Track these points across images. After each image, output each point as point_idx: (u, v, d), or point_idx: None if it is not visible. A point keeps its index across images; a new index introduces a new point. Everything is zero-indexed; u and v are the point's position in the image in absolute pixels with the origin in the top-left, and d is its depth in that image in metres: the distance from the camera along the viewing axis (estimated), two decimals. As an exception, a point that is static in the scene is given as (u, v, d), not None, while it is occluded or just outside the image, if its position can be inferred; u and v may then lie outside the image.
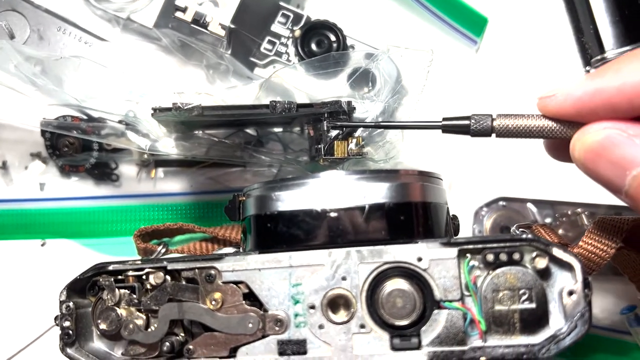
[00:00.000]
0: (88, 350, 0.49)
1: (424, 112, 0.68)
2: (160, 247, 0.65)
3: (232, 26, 0.69)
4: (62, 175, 0.72)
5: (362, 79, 0.67)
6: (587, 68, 0.74)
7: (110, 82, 0.67)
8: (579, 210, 0.72)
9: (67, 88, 0.66)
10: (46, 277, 0.71)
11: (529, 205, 0.73)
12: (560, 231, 0.72)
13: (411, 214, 0.47)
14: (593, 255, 0.51)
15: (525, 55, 0.75)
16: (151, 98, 0.67)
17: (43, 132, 0.70)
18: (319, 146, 0.60)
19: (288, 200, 0.48)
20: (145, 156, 0.71)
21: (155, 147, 0.67)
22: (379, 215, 0.46)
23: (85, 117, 0.69)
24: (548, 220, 0.73)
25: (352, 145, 0.60)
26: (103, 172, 0.71)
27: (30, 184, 0.72)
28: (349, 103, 0.59)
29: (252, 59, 0.70)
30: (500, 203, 0.73)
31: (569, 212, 0.72)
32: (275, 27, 0.70)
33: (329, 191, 0.47)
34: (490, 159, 0.73)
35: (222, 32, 0.68)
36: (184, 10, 0.68)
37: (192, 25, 0.68)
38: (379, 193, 0.47)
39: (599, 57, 0.72)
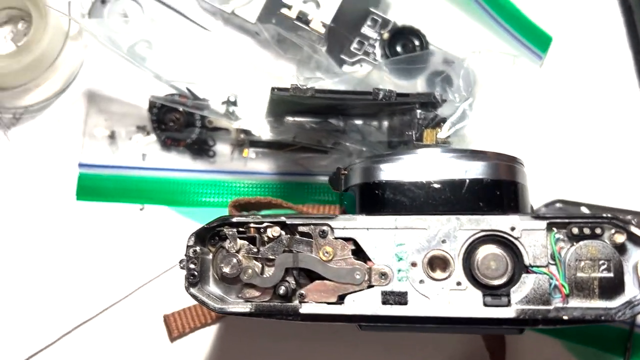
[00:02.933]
0: (207, 291, 0.55)
1: (489, 118, 0.74)
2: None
3: (332, 25, 0.75)
4: (163, 148, 0.78)
5: (441, 81, 0.73)
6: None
7: (214, 66, 0.74)
8: (629, 217, 0.77)
9: (175, 69, 0.73)
10: (143, 238, 0.77)
11: (583, 209, 0.78)
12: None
13: (505, 190, 0.53)
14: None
15: (586, 74, 0.81)
16: (251, 84, 0.73)
17: (150, 108, 0.77)
18: (410, 133, 0.66)
19: (395, 171, 0.54)
20: (242, 136, 0.77)
21: (250, 129, 0.74)
22: (477, 189, 0.52)
23: (191, 96, 0.75)
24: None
25: (441, 134, 0.65)
26: (201, 148, 0.77)
27: (133, 153, 0.78)
28: (440, 95, 0.65)
29: (342, 56, 0.77)
30: (557, 205, 0.78)
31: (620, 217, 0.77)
32: (365, 30, 0.77)
33: (433, 165, 0.53)
34: (550, 160, 0.79)
35: (322, 30, 0.75)
36: (289, 7, 0.75)
37: (295, 21, 0.75)
38: (478, 169, 0.53)
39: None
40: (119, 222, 0.77)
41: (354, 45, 0.77)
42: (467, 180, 0.52)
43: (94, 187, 0.77)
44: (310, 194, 0.78)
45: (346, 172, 0.59)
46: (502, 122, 0.77)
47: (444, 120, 0.66)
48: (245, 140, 0.77)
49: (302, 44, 0.76)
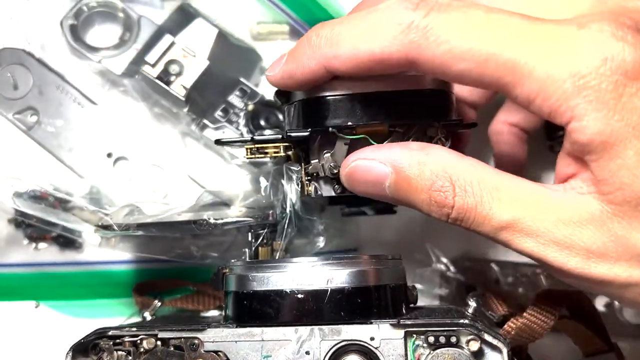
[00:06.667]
0: (90, 400, 0.59)
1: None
2: (156, 300, 0.79)
3: (193, 90, 0.83)
4: (29, 242, 0.84)
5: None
6: None
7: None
8: (538, 271, 0.84)
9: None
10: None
11: (493, 265, 0.86)
12: (520, 290, 0.84)
13: (367, 296, 0.60)
14: (535, 326, 0.63)
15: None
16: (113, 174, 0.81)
17: (14, 203, 0.81)
18: (245, 250, 0.73)
19: (262, 281, 0.60)
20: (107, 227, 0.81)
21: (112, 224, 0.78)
22: (339, 298, 0.59)
23: (53, 191, 0.82)
24: (510, 279, 0.85)
25: (277, 254, 0.72)
26: (68, 241, 0.84)
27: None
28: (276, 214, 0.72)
29: (205, 120, 0.85)
30: (466, 263, 0.86)
31: (529, 273, 0.85)
32: (232, 98, 0.85)
33: (298, 275, 0.60)
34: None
35: (183, 92, 0.83)
36: (152, 66, 0.83)
37: (157, 80, 0.83)
38: (340, 278, 0.59)
39: None
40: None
41: (218, 112, 0.84)
42: (329, 290, 0.59)
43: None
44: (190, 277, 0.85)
45: (226, 270, 0.65)
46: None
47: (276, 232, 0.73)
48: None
49: (164, 103, 0.84)
